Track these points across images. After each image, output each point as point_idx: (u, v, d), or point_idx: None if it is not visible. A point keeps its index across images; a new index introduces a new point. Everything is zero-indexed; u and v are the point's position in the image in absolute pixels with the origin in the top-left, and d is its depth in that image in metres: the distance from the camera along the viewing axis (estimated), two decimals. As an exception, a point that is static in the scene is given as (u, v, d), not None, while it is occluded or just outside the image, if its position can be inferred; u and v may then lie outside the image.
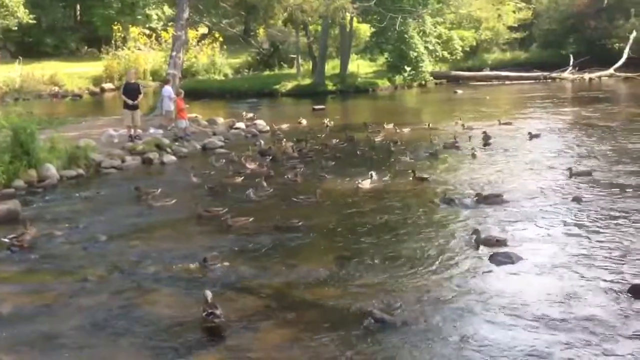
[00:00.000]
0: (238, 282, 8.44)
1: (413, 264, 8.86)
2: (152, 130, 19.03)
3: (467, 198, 11.92)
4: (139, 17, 45.05)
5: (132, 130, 17.90)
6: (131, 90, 17.98)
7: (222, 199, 12.42)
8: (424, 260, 9.01)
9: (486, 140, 17.73)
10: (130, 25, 41.26)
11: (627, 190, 12.29)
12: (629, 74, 35.96)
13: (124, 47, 38.02)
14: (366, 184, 12.99)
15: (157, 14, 46.47)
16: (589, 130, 19.62)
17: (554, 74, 36.98)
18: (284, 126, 21.44)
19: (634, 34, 38.18)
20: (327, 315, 7.41)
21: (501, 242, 9.48)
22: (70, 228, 10.76)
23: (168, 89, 19.57)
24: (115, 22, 40.37)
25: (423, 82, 36.20)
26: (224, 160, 15.95)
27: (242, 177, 13.93)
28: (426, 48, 36.69)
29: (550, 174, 13.91)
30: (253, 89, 33.09)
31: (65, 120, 22.12)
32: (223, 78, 37.59)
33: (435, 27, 38.87)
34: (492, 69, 39.91)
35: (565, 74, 37.13)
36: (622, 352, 6.38)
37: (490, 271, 8.56)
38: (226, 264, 8.95)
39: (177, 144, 17.95)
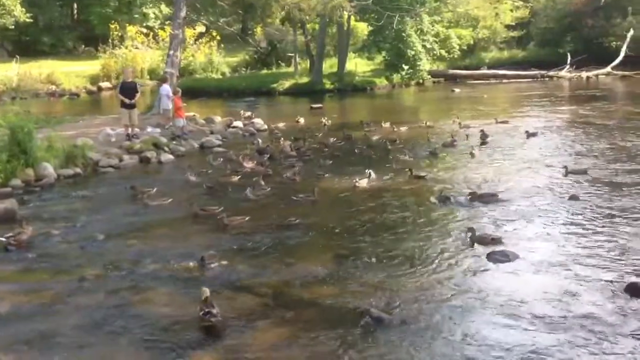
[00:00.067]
0: (235, 280, 8.44)
1: (410, 262, 8.86)
2: (149, 129, 19.02)
3: (464, 196, 11.92)
4: (136, 15, 45.05)
5: (130, 129, 17.88)
6: (128, 89, 17.95)
7: (220, 197, 12.42)
8: (421, 258, 9.01)
9: (484, 138, 17.74)
10: (127, 24, 41.26)
11: (624, 188, 12.30)
12: (626, 73, 36.00)
13: (121, 46, 38.00)
14: (363, 182, 13.00)
15: (154, 13, 46.47)
16: (586, 129, 19.64)
17: (551, 73, 37.03)
18: (282, 125, 21.44)
19: (631, 32, 38.23)
20: (325, 314, 7.42)
21: (496, 241, 9.50)
22: (67, 227, 10.76)
23: (166, 88, 19.55)
24: (113, 21, 40.37)
25: (421, 81, 36.21)
26: (221, 159, 15.95)
27: (239, 176, 13.92)
28: (424, 47, 36.71)
29: (547, 172, 13.92)
30: (250, 88, 33.09)
31: (62, 119, 22.09)
32: (220, 77, 37.58)
33: (432, 26, 38.89)
34: (489, 68, 39.96)
35: (563, 73, 37.17)
36: (620, 351, 6.38)
37: (487, 269, 8.56)
38: (224, 262, 8.95)
39: (174, 142, 17.94)
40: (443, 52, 39.56)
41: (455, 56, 40.58)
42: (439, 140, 17.84)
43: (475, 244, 9.43)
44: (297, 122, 22.18)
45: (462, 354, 6.42)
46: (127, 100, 17.72)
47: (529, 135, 18.10)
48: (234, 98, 31.28)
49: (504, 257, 8.79)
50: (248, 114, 23.22)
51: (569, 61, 37.85)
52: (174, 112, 18.96)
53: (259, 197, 12.29)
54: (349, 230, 10.38)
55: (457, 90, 32.40)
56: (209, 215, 11.08)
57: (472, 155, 15.81)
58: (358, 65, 36.85)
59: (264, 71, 37.69)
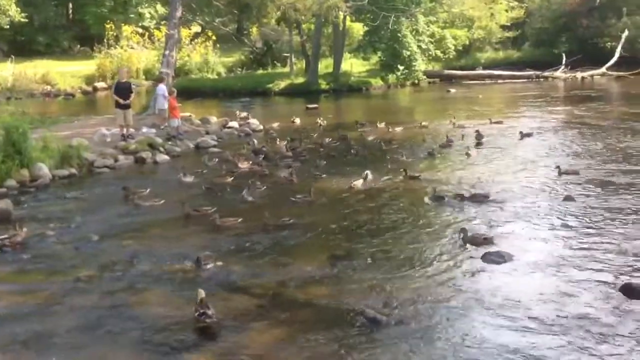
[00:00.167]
0: (231, 281, 8.44)
1: (406, 263, 8.88)
2: (144, 130, 19.00)
3: (458, 197, 11.95)
4: (132, 15, 44.95)
5: (125, 130, 17.86)
6: (122, 90, 17.93)
7: (216, 198, 12.42)
8: (416, 259, 9.03)
9: (479, 139, 17.78)
10: (122, 24, 41.17)
11: (618, 188, 12.35)
12: (621, 73, 36.10)
13: (117, 46, 37.91)
14: (359, 183, 13.01)
15: (149, 13, 46.40)
16: (581, 129, 19.69)
17: (546, 73, 37.11)
18: (277, 125, 21.43)
19: (626, 32, 38.32)
20: (321, 315, 7.43)
21: (488, 240, 9.53)
22: (62, 228, 10.74)
23: (162, 88, 19.52)
24: (108, 21, 40.24)
25: (416, 81, 36.26)
26: (217, 160, 15.95)
27: (232, 177, 13.88)
28: (419, 47, 36.75)
29: (541, 172, 13.95)
30: (246, 88, 33.07)
31: (57, 119, 22.06)
32: (216, 77, 37.53)
33: (428, 26, 38.93)
34: (484, 68, 39.98)
35: (558, 73, 37.25)
36: (617, 352, 6.41)
37: (483, 270, 8.57)
38: (219, 263, 8.94)
39: (170, 143, 17.92)
40: (438, 52, 39.61)
41: (451, 56, 40.63)
42: (435, 141, 17.87)
43: (468, 244, 9.46)
44: (293, 122, 22.18)
45: (459, 355, 6.43)
46: (121, 101, 17.70)
47: (524, 135, 18.15)
48: (229, 98, 31.26)
49: (499, 258, 8.81)
50: (244, 114, 23.20)
51: (564, 62, 37.93)
52: (169, 112, 18.94)
53: (256, 198, 12.27)
54: (344, 231, 10.39)
55: (452, 90, 32.44)
56: (201, 216, 11.08)
57: (468, 155, 15.85)
58: (353, 65, 36.86)
59: (260, 71, 37.67)
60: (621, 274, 8.22)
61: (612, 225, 10.20)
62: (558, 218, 10.66)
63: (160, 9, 44.87)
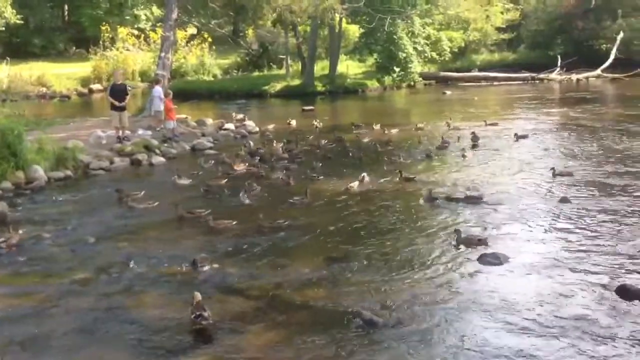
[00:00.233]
0: (227, 283, 8.45)
1: (402, 265, 8.89)
2: (140, 132, 18.97)
3: (453, 198, 11.98)
4: (128, 17, 44.86)
5: (121, 132, 17.83)
6: (118, 92, 17.89)
7: (213, 200, 12.43)
8: (412, 261, 9.04)
9: (475, 141, 17.81)
10: (118, 26, 41.08)
11: (614, 190, 12.39)
12: (616, 75, 36.24)
13: (113, 48, 37.86)
14: (355, 185, 13.03)
15: (145, 15, 46.30)
16: (576, 131, 19.75)
17: (541, 75, 37.18)
18: (273, 127, 21.43)
19: (621, 34, 38.45)
20: (317, 317, 7.43)
21: (482, 242, 9.56)
22: (58, 230, 10.73)
23: (158, 89, 19.49)
24: (104, 23, 40.18)
25: (412, 83, 36.30)
26: (212, 162, 15.93)
27: (226, 180, 13.86)
28: (415, 49, 36.80)
29: (536, 174, 13.98)
30: (242, 90, 33.05)
31: (53, 121, 21.99)
32: (212, 79, 37.50)
33: (424, 28, 38.98)
34: (480, 70, 40.08)
35: (553, 75, 37.34)
36: (614, 353, 6.43)
37: (479, 272, 8.60)
38: (215, 265, 8.95)
39: (165, 145, 17.90)
40: (434, 54, 39.68)
41: (447, 58, 40.71)
42: (430, 143, 17.90)
43: (462, 245, 9.48)
44: (289, 124, 22.19)
45: (457, 357, 6.44)
46: (116, 103, 17.67)
47: (519, 137, 18.19)
48: (225, 100, 31.24)
49: (495, 260, 8.84)
50: (240, 116, 23.19)
51: (559, 64, 38.02)
52: (165, 114, 18.91)
53: (252, 200, 12.25)
54: (341, 233, 10.40)
55: (448, 92, 32.50)
56: (195, 218, 11.08)
57: (464, 157, 15.90)
58: (349, 67, 36.89)
59: (256, 73, 37.65)
60: (616, 275, 8.25)
61: (607, 226, 10.24)
62: (553, 219, 10.70)
63: (156, 11, 44.79)
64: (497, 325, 7.04)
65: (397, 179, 13.66)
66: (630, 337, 6.69)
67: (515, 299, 7.65)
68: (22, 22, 40.82)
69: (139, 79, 36.54)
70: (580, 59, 37.76)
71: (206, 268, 8.84)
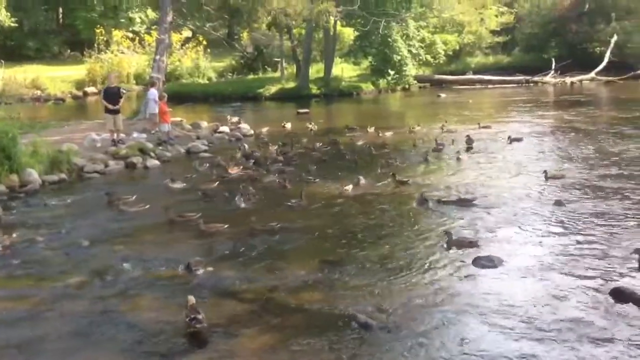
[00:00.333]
0: (222, 286, 8.43)
1: (396, 267, 8.89)
2: (135, 135, 18.95)
3: (448, 201, 12.01)
4: (122, 20, 44.88)
5: (115, 135, 17.80)
6: (111, 95, 17.85)
7: (208, 203, 12.42)
8: (406, 263, 9.04)
9: (469, 143, 17.84)
10: (113, 29, 41.08)
11: (607, 192, 12.42)
12: (610, 78, 36.39)
13: (107, 51, 37.83)
14: (350, 188, 13.04)
15: (140, 17, 46.33)
16: (570, 134, 19.81)
17: (536, 78, 37.33)
18: (268, 130, 21.44)
19: (615, 37, 38.64)
20: (312, 320, 7.42)
21: (473, 244, 9.58)
22: (52, 233, 10.69)
23: (153, 92, 19.49)
24: (98, 26, 40.16)
25: (407, 86, 36.38)
26: (207, 165, 15.93)
27: (223, 183, 13.87)
28: (410, 52, 36.91)
29: (530, 177, 14.00)
30: (237, 93, 33.07)
31: (47, 124, 21.97)
32: (207, 82, 37.52)
33: (418, 31, 39.11)
34: (475, 73, 40.17)
35: (547, 78, 37.47)
36: (609, 355, 6.44)
37: (473, 274, 8.59)
38: (210, 269, 8.93)
39: (160, 148, 17.89)
40: (429, 57, 39.77)
41: (441, 61, 40.81)
42: (425, 146, 17.92)
43: (453, 248, 9.50)
44: (284, 127, 22.19)
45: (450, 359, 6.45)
46: (110, 106, 17.64)
47: (512, 140, 18.22)
48: (220, 103, 31.25)
49: (489, 262, 8.84)
50: (235, 119, 23.20)
51: (553, 67, 38.16)
52: (160, 117, 18.90)
53: (247, 204, 12.23)
54: (335, 235, 10.40)
55: (442, 95, 32.57)
56: (185, 222, 11.06)
57: (459, 160, 15.93)
58: (344, 70, 36.94)
59: (251, 76, 37.70)
60: (610, 278, 8.27)
61: (600, 229, 10.25)
62: (547, 222, 10.72)
63: (151, 13, 44.81)
64: (492, 328, 7.04)
65: (391, 181, 13.68)
66: (626, 340, 6.69)
67: (511, 301, 7.65)
68: (16, 25, 40.76)
69: (134, 81, 36.57)
70: (574, 62, 37.92)
71: (200, 271, 8.82)
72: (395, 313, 7.44)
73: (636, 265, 8.62)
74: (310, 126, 21.98)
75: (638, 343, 6.63)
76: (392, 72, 35.44)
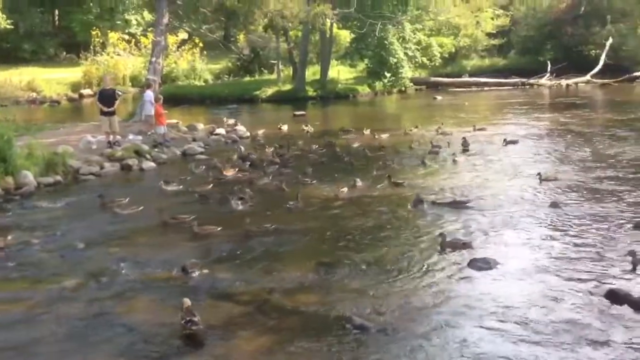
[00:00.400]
0: (218, 289, 8.43)
1: (392, 269, 8.90)
2: (131, 137, 18.92)
3: (444, 203, 12.03)
4: (118, 22, 44.80)
5: (111, 137, 17.77)
6: (106, 97, 17.81)
7: (204, 206, 12.41)
8: (403, 265, 9.05)
9: (465, 146, 17.87)
10: (109, 31, 41.00)
11: (601, 195, 12.44)
12: (605, 81, 36.45)
13: (103, 53, 37.78)
14: (346, 190, 13.04)
15: (136, 20, 46.27)
16: (565, 136, 19.85)
17: (531, 80, 37.38)
18: (265, 132, 21.43)
19: (610, 40, 38.72)
20: (308, 322, 7.42)
21: (467, 245, 9.61)
22: (47, 235, 10.68)
23: (150, 94, 19.47)
24: (94, 28, 40.08)
25: (403, 88, 36.39)
26: (204, 167, 15.92)
27: (219, 185, 13.86)
28: (406, 54, 36.92)
29: (525, 179, 14.00)
30: (233, 95, 33.03)
31: (43, 126, 21.91)
32: (203, 84, 37.46)
33: (414, 34, 39.12)
34: (471, 75, 40.22)
35: (543, 80, 37.53)
36: (605, 357, 6.46)
37: (469, 277, 8.61)
38: (206, 271, 8.92)
39: (156, 150, 17.86)
40: (425, 59, 39.79)
41: (437, 64, 40.82)
42: (421, 148, 17.94)
43: (447, 249, 9.52)
44: (280, 129, 22.19)
45: (445, 361, 6.47)
46: (104, 108, 17.60)
47: (507, 143, 18.23)
48: (216, 105, 31.23)
49: (485, 265, 8.85)
50: (231, 121, 23.18)
51: (549, 69, 38.23)
52: (156, 119, 18.88)
53: (244, 206, 12.21)
54: (331, 238, 10.41)
55: (439, 97, 32.60)
56: (179, 224, 11.05)
57: (455, 162, 15.96)
58: (340, 72, 36.94)
59: (247, 78, 37.66)
60: (606, 280, 8.29)
61: (595, 231, 10.28)
62: (542, 224, 10.74)
63: (147, 16, 44.76)
64: (489, 330, 7.05)
65: (386, 183, 13.70)
66: (622, 342, 6.71)
67: (507, 303, 7.67)
68: (12, 27, 40.71)
69: (130, 84, 36.48)
70: (569, 65, 37.97)
71: (196, 273, 8.81)
72: (391, 315, 7.45)
73: (630, 267, 8.67)
74: (306, 128, 21.99)
75: (634, 345, 6.65)
76: (388, 75, 35.46)
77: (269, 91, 33.32)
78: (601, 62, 38.11)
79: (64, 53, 45.77)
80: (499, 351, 6.58)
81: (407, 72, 36.84)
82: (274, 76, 36.81)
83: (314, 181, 14.20)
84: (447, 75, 39.92)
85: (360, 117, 26.98)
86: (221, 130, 21.43)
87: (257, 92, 33.21)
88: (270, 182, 14.02)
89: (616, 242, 9.69)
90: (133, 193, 13.21)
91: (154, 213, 11.60)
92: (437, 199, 12.34)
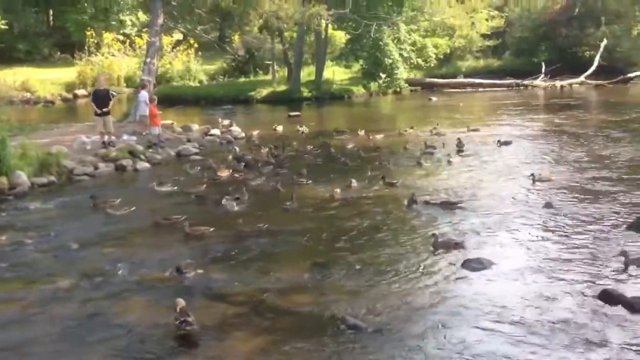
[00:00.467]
0: (212, 289, 8.42)
1: (386, 270, 8.90)
2: (125, 137, 18.88)
3: (438, 204, 12.04)
4: (113, 22, 44.75)
5: (106, 137, 17.73)
6: (101, 97, 17.77)
7: (201, 207, 12.40)
8: (397, 266, 9.06)
9: (460, 146, 17.89)
10: (103, 31, 40.96)
11: (595, 195, 12.47)
12: (599, 82, 36.53)
13: (98, 53, 37.71)
14: (340, 190, 13.03)
15: (131, 20, 46.21)
16: (559, 137, 19.90)
17: (526, 82, 37.41)
18: (259, 133, 21.41)
19: (604, 42, 38.80)
20: (302, 322, 7.43)
21: (459, 245, 9.64)
22: (41, 236, 10.65)
23: (144, 94, 19.44)
24: (89, 28, 40.03)
25: (398, 89, 36.41)
26: (198, 168, 15.89)
27: (214, 185, 13.84)
28: (401, 55, 36.95)
29: (518, 180, 14.02)
30: (228, 96, 32.99)
31: (37, 126, 21.85)
32: (198, 84, 37.44)
33: (409, 35, 39.18)
34: (466, 76, 40.24)
35: (537, 82, 37.57)
36: (599, 357, 6.48)
37: (463, 277, 8.62)
38: (200, 271, 8.91)
39: (151, 150, 17.82)
40: (420, 60, 39.84)
41: (432, 65, 40.88)
42: (416, 148, 17.96)
43: (440, 249, 9.54)
44: (275, 130, 22.18)
45: (439, 361, 6.47)
46: (97, 110, 17.55)
47: (501, 144, 18.25)
48: (211, 106, 31.18)
49: (479, 265, 8.86)
50: (226, 122, 23.15)
51: (543, 70, 38.30)
52: (150, 120, 18.85)
53: (240, 207, 12.19)
54: (326, 238, 10.41)
55: (434, 98, 32.63)
56: (171, 224, 11.02)
57: (450, 162, 15.98)
58: (336, 73, 36.94)
59: (242, 79, 37.62)
60: (599, 281, 8.31)
61: (589, 231, 10.31)
62: (536, 225, 10.76)
63: (142, 16, 44.70)
64: (483, 329, 7.06)
65: (380, 184, 13.73)
66: (615, 342, 6.73)
67: (501, 304, 7.67)
68: (6, 27, 40.56)
69: (124, 84, 36.44)
70: (564, 66, 38.04)
71: (191, 274, 8.80)
72: (386, 315, 7.46)
73: (623, 267, 8.70)
74: (301, 129, 21.99)
75: (628, 345, 6.67)
76: (383, 76, 35.48)
77: (264, 92, 33.29)
78: (595, 64, 38.19)
79: (59, 53, 45.66)
80: (493, 351, 6.59)
81: (402, 73, 36.88)
82: (269, 77, 36.81)
83: (309, 182, 14.21)
84: (442, 76, 39.95)
85: (355, 118, 27.00)
86: (216, 131, 21.41)
87: (252, 93, 33.19)
88: (265, 183, 14.02)
89: (610, 243, 9.71)
90: (127, 194, 13.19)
91: (147, 214, 11.58)
92: (432, 199, 12.36)
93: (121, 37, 40.00)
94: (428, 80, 38.72)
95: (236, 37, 43.06)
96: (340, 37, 38.23)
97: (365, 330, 7.01)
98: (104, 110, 17.57)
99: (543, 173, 14.28)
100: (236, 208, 12.08)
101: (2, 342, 6.99)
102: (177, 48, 39.29)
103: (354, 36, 35.28)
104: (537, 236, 10.20)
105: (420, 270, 8.90)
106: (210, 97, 32.98)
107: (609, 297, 7.69)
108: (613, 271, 8.64)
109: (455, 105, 29.86)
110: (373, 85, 35.57)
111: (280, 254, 9.82)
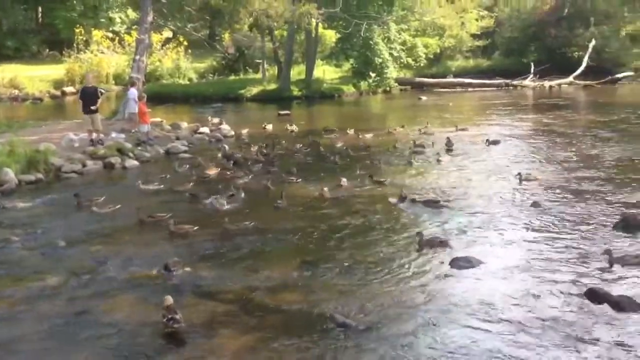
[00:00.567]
0: (201, 287, 8.40)
1: (375, 268, 8.92)
2: (114, 135, 18.79)
3: (424, 202, 12.07)
4: (102, 20, 44.51)
5: (94, 135, 17.64)
6: (89, 95, 17.67)
7: (191, 205, 12.38)
8: (385, 264, 9.08)
9: (449, 146, 17.94)
10: (93, 28, 40.72)
11: (583, 195, 12.54)
12: (588, 82, 36.74)
13: (87, 50, 37.53)
14: (329, 189, 13.03)
15: (120, 17, 46.01)
16: (548, 137, 19.99)
17: (515, 82, 37.57)
18: (249, 131, 21.38)
19: (593, 42, 39.03)
20: (290, 320, 7.43)
21: (444, 243, 9.69)
22: (28, 233, 10.60)
23: (133, 92, 19.36)
24: (78, 25, 39.79)
25: (388, 88, 36.45)
26: (187, 166, 15.85)
27: (195, 183, 13.83)
28: (391, 54, 37.00)
29: (505, 179, 14.07)
30: (218, 94, 32.89)
31: (25, 124, 21.73)
32: (188, 82, 37.33)
33: (399, 34, 39.23)
34: (455, 76, 40.35)
35: (527, 82, 37.74)
36: (586, 354, 6.54)
37: (451, 275, 8.66)
38: (188, 269, 8.89)
39: (139, 148, 17.75)
40: (410, 60, 39.91)
41: (422, 64, 40.97)
42: (405, 147, 17.99)
43: (425, 248, 9.58)
44: (265, 128, 22.15)
45: (430, 359, 6.47)
46: (85, 107, 17.45)
47: (490, 143, 18.32)
48: (201, 104, 31.11)
49: (467, 263, 8.90)
50: (216, 120, 23.10)
51: (532, 70, 38.48)
52: (139, 117, 18.77)
53: (230, 205, 12.16)
54: (315, 236, 10.41)
55: (423, 98, 32.69)
56: (156, 222, 10.99)
57: (439, 161, 16.03)
58: (326, 72, 36.94)
59: (232, 77, 37.52)
60: (585, 279, 8.36)
61: (576, 231, 10.37)
62: (523, 224, 10.81)
63: (131, 13, 44.51)
64: (472, 327, 7.09)
65: (368, 182, 13.77)
66: (602, 340, 6.79)
67: (489, 301, 7.72)
68: (-6, 24, 40.30)
69: (113, 82, 36.26)
70: (553, 66, 38.24)
71: (179, 272, 8.78)
72: (374, 313, 7.47)
73: (607, 265, 8.77)
74: (291, 128, 21.98)
75: (613, 343, 6.73)
76: (373, 75, 35.52)
77: (254, 90, 33.23)
78: (584, 64, 38.40)
79: (47, 50, 45.35)
80: (482, 349, 6.62)
81: (392, 72, 36.93)
82: (259, 75, 36.74)
83: (299, 180, 14.21)
84: (432, 76, 40.04)
85: (345, 116, 27.00)
86: (205, 129, 21.36)
87: (242, 91, 33.12)
88: (255, 181, 14.00)
89: (596, 242, 9.78)
90: (114, 191, 13.14)
91: (133, 212, 11.51)
92: (420, 198, 12.39)
93: (110, 35, 39.79)
94: (418, 79, 38.80)
95: (226, 35, 42.96)
96: (330, 36, 38.23)
97: (354, 328, 7.02)
98: (92, 107, 17.47)
99: (530, 172, 14.35)
100: (226, 206, 12.05)
101: (-11, 339, 6.95)
102: (167, 46, 39.16)
103: (344, 35, 35.30)
104: (525, 235, 10.24)
105: (409, 268, 8.92)
106: (200, 95, 32.88)
107: (595, 295, 7.75)
108: (599, 270, 8.70)
109: (445, 105, 29.94)
110: (363, 85, 35.59)
111: (270, 252, 9.82)
